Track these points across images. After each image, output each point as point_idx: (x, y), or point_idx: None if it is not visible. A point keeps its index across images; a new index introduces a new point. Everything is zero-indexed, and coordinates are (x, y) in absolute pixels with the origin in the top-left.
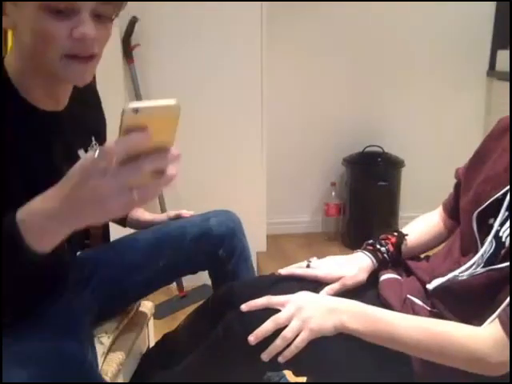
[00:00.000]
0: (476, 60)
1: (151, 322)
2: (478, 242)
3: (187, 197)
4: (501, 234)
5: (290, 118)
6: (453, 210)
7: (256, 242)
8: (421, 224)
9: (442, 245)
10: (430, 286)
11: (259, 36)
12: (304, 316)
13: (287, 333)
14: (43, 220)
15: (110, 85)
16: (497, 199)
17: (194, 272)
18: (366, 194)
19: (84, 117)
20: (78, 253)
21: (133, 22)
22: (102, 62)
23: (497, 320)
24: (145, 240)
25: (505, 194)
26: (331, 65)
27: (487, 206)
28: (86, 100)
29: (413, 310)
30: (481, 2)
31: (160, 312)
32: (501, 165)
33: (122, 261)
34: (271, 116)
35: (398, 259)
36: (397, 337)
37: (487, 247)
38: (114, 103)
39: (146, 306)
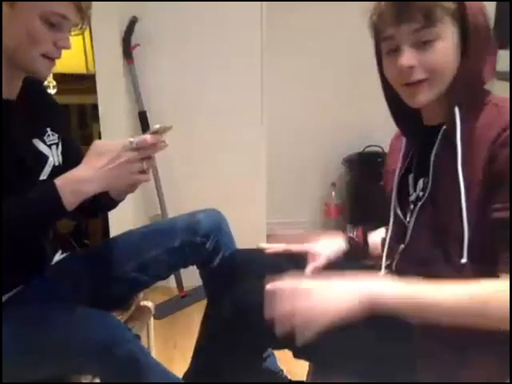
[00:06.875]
0: None
1: (151, 322)
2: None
3: (187, 196)
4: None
5: (290, 118)
6: None
7: (256, 241)
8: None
9: None
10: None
11: (259, 36)
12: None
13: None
14: (77, 183)
15: (110, 85)
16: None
17: (184, 266)
18: (366, 194)
19: (35, 108)
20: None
21: (133, 21)
22: (103, 62)
23: None
24: (137, 233)
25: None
26: (331, 65)
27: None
28: (35, 95)
29: None
30: (481, 2)
31: (160, 312)
32: (394, 164)
33: (115, 249)
34: (271, 116)
35: (366, 248)
36: (438, 304)
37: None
38: (114, 103)
39: (146, 305)
